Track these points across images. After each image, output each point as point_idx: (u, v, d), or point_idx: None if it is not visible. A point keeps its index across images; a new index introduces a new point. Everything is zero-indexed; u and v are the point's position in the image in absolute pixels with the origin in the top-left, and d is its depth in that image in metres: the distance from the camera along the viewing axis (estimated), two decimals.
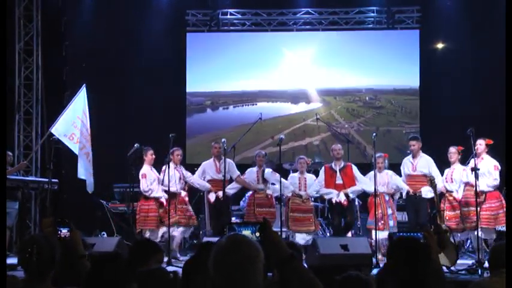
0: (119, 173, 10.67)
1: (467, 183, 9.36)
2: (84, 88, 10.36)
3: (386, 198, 9.95)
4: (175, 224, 9.76)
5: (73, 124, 10.17)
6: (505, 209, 9.07)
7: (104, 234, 11.01)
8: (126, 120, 12.21)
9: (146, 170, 9.83)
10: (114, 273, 3.01)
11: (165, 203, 9.73)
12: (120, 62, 12.84)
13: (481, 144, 9.34)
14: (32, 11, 12.31)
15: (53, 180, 10.03)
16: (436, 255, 3.67)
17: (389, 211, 9.90)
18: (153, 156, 9.92)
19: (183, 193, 10.01)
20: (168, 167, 9.54)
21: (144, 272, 3.45)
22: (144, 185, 9.77)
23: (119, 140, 11.19)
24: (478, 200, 8.85)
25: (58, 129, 10.07)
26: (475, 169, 8.92)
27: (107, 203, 11.56)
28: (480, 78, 12.47)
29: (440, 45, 13.16)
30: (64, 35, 12.86)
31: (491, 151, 9.38)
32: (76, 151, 10.13)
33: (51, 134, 10.02)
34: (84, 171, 10.18)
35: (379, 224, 9.71)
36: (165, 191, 9.67)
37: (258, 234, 2.63)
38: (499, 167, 9.20)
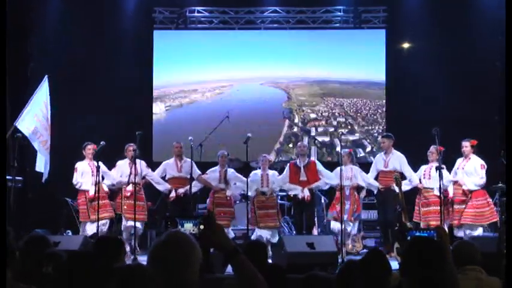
0: None
1: (455, 182, 9.63)
2: (47, 80, 10.31)
3: (347, 193, 10.04)
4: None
5: (35, 117, 10.07)
6: (490, 207, 9.44)
7: (69, 233, 10.90)
8: (92, 118, 12.06)
9: (79, 164, 10.08)
10: (91, 271, 2.95)
11: (90, 195, 9.87)
12: (87, 59, 12.68)
13: (466, 146, 9.63)
14: None
15: (17, 178, 9.87)
16: (450, 255, 3.69)
17: (348, 205, 9.99)
18: (91, 151, 10.04)
19: (130, 187, 10.01)
20: (135, 163, 9.77)
21: (123, 268, 3.40)
22: (74, 178, 10.05)
23: (84, 137, 11.04)
24: (456, 199, 9.60)
25: (22, 124, 9.95)
26: (439, 168, 9.07)
27: (72, 201, 11.43)
28: (446, 77, 12.59)
29: (406, 45, 13.28)
30: (30, 31, 12.66)
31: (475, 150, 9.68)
32: (37, 147, 10.10)
33: (16, 129, 9.87)
34: (44, 164, 10.14)
35: (334, 215, 10.02)
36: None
37: (201, 227, 2.62)
38: (485, 166, 9.49)
